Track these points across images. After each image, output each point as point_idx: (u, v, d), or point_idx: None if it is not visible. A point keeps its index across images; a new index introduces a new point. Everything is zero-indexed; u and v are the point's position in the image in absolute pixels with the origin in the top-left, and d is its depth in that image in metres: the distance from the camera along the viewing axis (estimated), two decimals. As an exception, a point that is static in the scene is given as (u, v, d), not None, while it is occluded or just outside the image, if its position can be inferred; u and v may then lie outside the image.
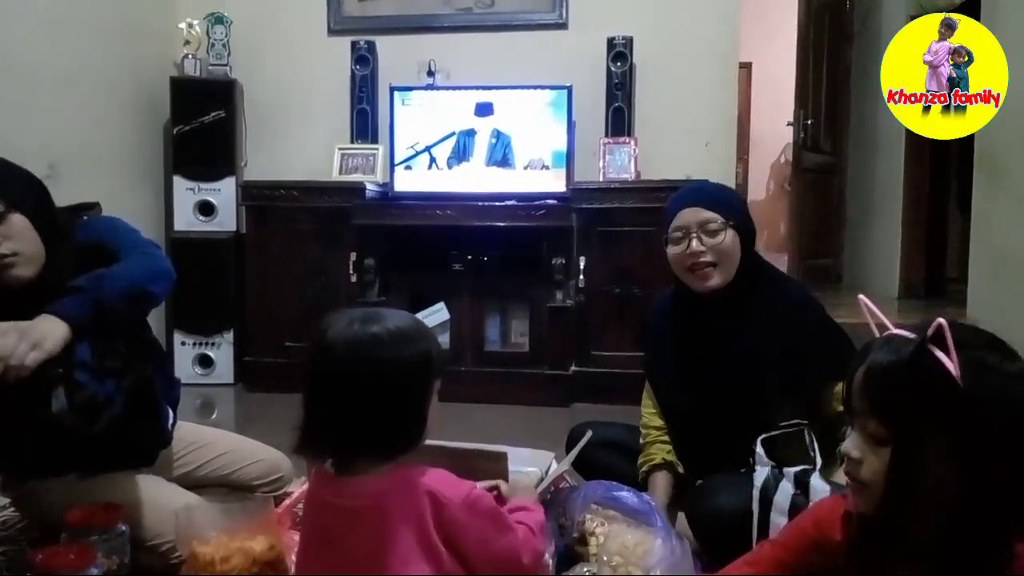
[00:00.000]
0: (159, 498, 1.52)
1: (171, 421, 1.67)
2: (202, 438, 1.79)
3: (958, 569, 0.89)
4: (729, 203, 1.61)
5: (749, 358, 1.56)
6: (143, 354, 1.58)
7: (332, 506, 1.12)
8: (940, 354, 0.88)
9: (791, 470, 1.40)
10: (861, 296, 1.02)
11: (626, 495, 1.52)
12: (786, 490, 1.37)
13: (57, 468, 1.54)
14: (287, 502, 1.60)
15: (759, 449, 1.45)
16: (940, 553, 0.89)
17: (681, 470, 1.66)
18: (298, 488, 1.66)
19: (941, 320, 0.89)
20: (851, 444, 0.95)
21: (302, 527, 1.21)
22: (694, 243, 1.55)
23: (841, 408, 1.47)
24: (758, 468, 1.43)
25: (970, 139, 3.11)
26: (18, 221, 1.40)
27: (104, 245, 1.52)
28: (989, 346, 0.91)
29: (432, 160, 3.41)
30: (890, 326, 0.95)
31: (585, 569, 1.41)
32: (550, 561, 1.35)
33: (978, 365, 0.88)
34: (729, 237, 1.55)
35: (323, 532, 1.15)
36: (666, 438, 1.69)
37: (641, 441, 1.73)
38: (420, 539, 1.07)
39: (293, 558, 1.38)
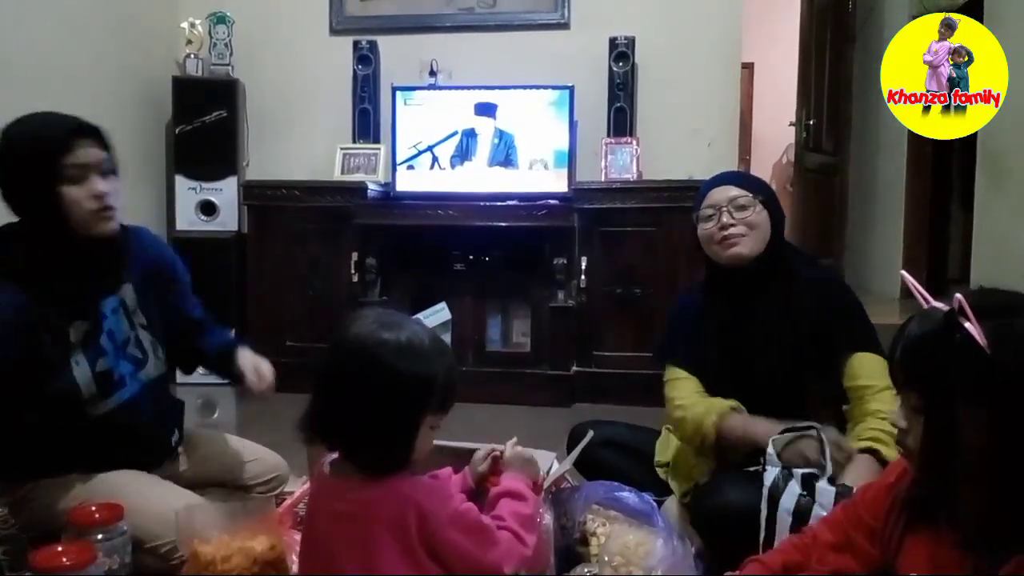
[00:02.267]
0: (158, 499, 1.51)
1: (175, 438, 1.70)
2: (196, 437, 1.79)
3: (1001, 540, 0.90)
4: (758, 183, 1.66)
5: (783, 333, 1.58)
6: (162, 356, 1.65)
7: (325, 508, 1.13)
8: (969, 324, 0.89)
9: (800, 471, 1.40)
10: (904, 272, 1.08)
11: (627, 495, 1.52)
12: (793, 491, 1.37)
13: (59, 467, 1.54)
14: (288, 502, 1.60)
15: (770, 449, 1.45)
16: (982, 523, 0.91)
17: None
18: (299, 488, 1.66)
19: (959, 295, 0.91)
20: (898, 415, 0.99)
21: (303, 527, 1.21)
22: (724, 217, 1.59)
23: (850, 384, 1.50)
24: (768, 468, 1.43)
25: (972, 139, 3.10)
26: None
27: None
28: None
29: (434, 160, 3.41)
30: (929, 300, 0.96)
31: (586, 570, 1.41)
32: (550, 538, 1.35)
33: (1007, 331, 0.89)
34: (758, 211, 1.59)
35: (315, 533, 1.16)
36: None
37: (681, 413, 1.63)
38: (403, 549, 1.07)
39: (294, 558, 1.39)
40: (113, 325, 1.53)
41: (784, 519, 1.35)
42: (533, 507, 1.21)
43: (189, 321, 1.73)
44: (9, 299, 1.38)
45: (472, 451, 1.39)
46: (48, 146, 1.40)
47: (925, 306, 0.96)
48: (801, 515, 1.31)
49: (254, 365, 1.67)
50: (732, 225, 1.58)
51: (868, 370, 1.52)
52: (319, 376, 1.13)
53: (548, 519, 1.34)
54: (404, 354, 1.08)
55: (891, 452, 1.40)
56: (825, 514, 1.25)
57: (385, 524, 1.07)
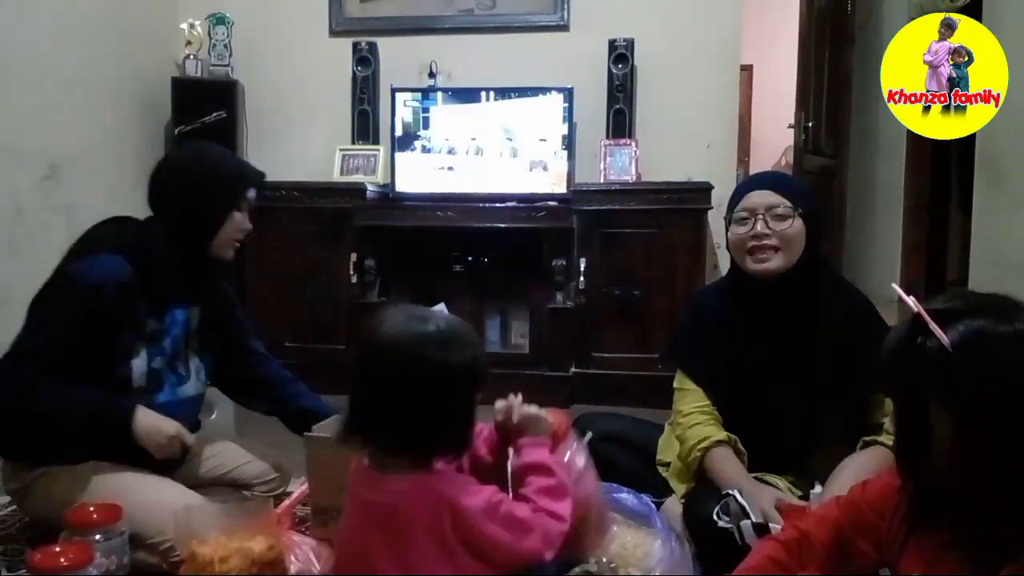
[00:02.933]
0: (163, 496, 1.52)
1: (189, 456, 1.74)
2: (197, 438, 1.79)
3: (997, 538, 0.91)
4: (801, 192, 1.58)
5: (805, 349, 1.53)
6: (204, 380, 1.79)
7: (363, 501, 1.14)
8: (934, 328, 0.91)
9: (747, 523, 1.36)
10: (894, 285, 1.08)
11: (625, 497, 1.52)
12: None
13: (76, 454, 1.57)
14: (287, 503, 1.60)
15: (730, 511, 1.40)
16: (971, 521, 0.93)
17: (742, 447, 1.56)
18: (298, 489, 1.66)
19: (912, 299, 0.95)
20: (889, 421, 1.04)
21: (342, 519, 1.20)
22: (759, 225, 1.52)
23: (884, 420, 1.47)
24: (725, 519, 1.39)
25: (971, 141, 3.10)
26: None
27: None
28: (996, 311, 0.93)
29: (433, 161, 3.41)
30: (916, 307, 0.97)
31: (584, 570, 1.41)
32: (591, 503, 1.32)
33: (971, 332, 0.90)
34: (796, 225, 1.52)
35: (351, 524, 1.16)
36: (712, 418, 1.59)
37: (680, 431, 1.62)
38: (438, 542, 1.08)
39: (292, 559, 1.39)
40: (175, 333, 1.69)
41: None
42: (558, 474, 1.20)
43: (250, 354, 1.90)
44: (117, 277, 1.55)
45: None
46: (245, 177, 1.72)
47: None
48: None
49: None
50: (766, 235, 1.51)
51: None
52: (360, 383, 1.13)
53: (581, 461, 1.30)
54: (448, 345, 1.11)
55: None
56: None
57: (419, 520, 1.08)
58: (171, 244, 1.63)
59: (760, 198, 1.54)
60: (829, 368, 1.52)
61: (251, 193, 1.73)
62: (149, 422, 1.54)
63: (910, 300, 0.97)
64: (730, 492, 1.39)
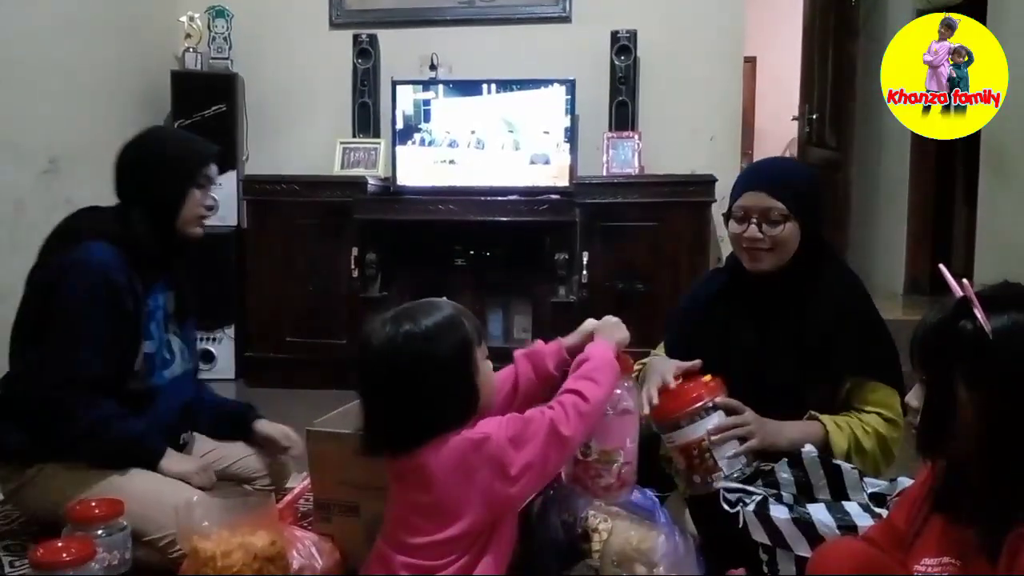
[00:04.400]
0: (163, 491, 1.52)
1: (185, 436, 1.77)
2: (198, 434, 1.79)
3: (1001, 513, 0.93)
4: (796, 192, 1.57)
5: (791, 343, 1.55)
6: (188, 357, 1.80)
7: (397, 472, 1.17)
8: (978, 313, 0.94)
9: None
10: (942, 266, 1.10)
11: (629, 491, 1.51)
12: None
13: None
14: (289, 497, 1.60)
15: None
16: (979, 498, 0.95)
17: None
18: (300, 483, 1.66)
19: (965, 281, 0.98)
20: (912, 395, 1.05)
21: (387, 503, 1.23)
22: (752, 228, 1.54)
23: (866, 407, 1.50)
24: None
25: (976, 135, 3.09)
26: None
27: None
28: None
29: (434, 154, 3.39)
30: (964, 291, 1.00)
31: (588, 566, 1.40)
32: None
33: (1015, 322, 0.94)
34: (788, 228, 1.53)
35: (394, 494, 1.19)
36: None
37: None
38: (465, 478, 1.11)
39: (295, 554, 1.38)
40: (159, 318, 1.70)
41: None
42: (605, 366, 1.24)
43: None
44: (113, 262, 1.56)
45: None
46: (198, 155, 1.72)
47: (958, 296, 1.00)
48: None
49: (282, 431, 1.80)
50: (759, 240, 1.53)
51: (878, 401, 1.50)
52: (363, 395, 1.17)
53: (629, 403, 1.34)
54: (435, 335, 1.14)
55: (839, 438, 1.45)
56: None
57: (444, 464, 1.11)
58: (147, 226, 1.64)
59: (755, 200, 1.55)
60: (815, 358, 1.53)
61: (211, 171, 1.73)
62: (174, 470, 1.58)
63: (956, 284, 1.00)
64: (718, 486, 1.42)
